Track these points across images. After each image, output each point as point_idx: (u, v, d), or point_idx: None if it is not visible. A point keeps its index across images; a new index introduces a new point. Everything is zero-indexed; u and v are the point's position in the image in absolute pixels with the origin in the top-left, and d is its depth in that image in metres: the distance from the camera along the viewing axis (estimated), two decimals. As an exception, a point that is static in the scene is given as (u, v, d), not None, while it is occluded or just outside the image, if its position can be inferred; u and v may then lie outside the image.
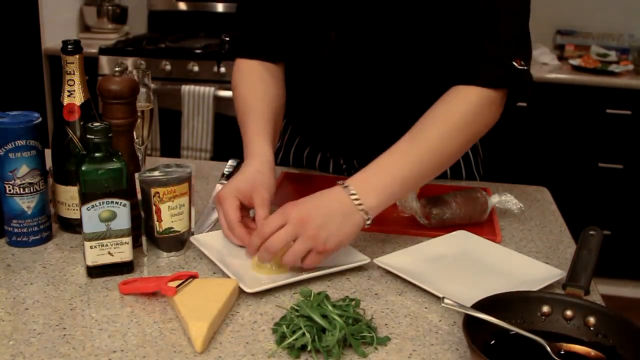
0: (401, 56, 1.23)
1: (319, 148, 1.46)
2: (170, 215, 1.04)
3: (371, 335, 0.84)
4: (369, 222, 1.00)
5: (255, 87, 1.27)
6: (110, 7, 3.36)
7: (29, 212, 1.07)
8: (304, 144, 1.50)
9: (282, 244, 0.96)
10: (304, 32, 1.30)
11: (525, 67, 1.15)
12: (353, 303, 0.88)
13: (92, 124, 0.96)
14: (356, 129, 1.35)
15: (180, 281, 0.92)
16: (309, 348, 0.80)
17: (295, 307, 0.85)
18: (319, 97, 1.36)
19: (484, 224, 1.21)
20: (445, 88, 1.14)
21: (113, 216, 0.97)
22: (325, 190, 1.01)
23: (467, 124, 1.09)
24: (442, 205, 1.18)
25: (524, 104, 2.92)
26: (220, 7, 3.45)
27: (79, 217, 0.97)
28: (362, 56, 1.25)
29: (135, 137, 1.23)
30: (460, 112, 1.09)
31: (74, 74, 1.06)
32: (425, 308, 0.94)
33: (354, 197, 0.99)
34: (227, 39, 1.38)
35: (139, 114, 1.12)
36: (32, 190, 1.06)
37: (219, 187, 1.35)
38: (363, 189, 1.00)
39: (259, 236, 0.97)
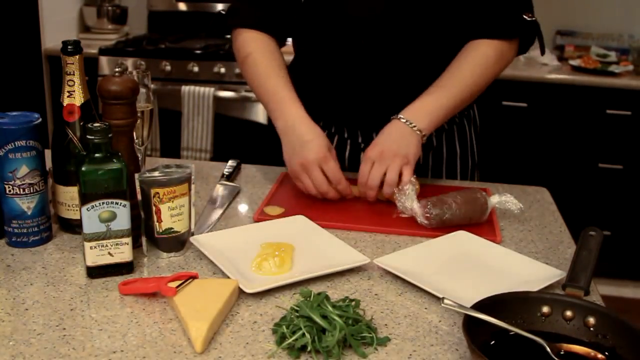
0: (416, 30, 1.32)
1: (336, 128, 1.47)
2: (170, 215, 1.04)
3: (371, 335, 0.84)
4: (424, 138, 1.26)
5: (270, 53, 1.35)
6: (110, 8, 3.36)
7: (29, 213, 1.07)
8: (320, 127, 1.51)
9: (379, 178, 1.22)
10: (315, 8, 1.35)
11: (533, 19, 1.33)
12: (353, 303, 0.88)
13: (92, 125, 0.96)
14: (372, 101, 1.38)
15: (180, 281, 0.92)
16: (308, 348, 0.80)
17: (295, 308, 0.85)
18: (334, 72, 1.39)
19: (483, 225, 1.21)
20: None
21: (113, 217, 0.97)
22: (387, 126, 1.26)
23: (489, 68, 1.31)
24: (442, 205, 1.18)
25: (524, 104, 2.92)
26: (220, 7, 3.45)
27: (79, 218, 0.97)
28: (377, 31, 1.31)
29: (135, 138, 1.23)
30: (482, 63, 1.31)
31: (73, 74, 1.06)
32: (425, 308, 0.94)
33: (408, 123, 1.25)
34: (223, 11, 1.42)
35: (138, 114, 1.12)
36: (32, 191, 1.06)
37: (219, 187, 1.35)
38: (414, 116, 1.25)
39: (361, 183, 1.24)
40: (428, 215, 1.17)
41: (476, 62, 1.31)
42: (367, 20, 1.32)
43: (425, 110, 1.26)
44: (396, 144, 1.23)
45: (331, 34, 1.37)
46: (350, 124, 1.44)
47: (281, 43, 1.43)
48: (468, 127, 1.50)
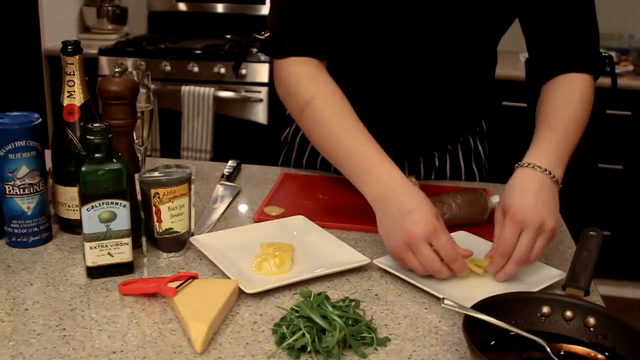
0: (458, 63, 1.27)
1: None
2: (170, 215, 1.04)
3: (371, 336, 0.84)
4: (560, 187, 1.07)
5: (338, 98, 1.11)
6: (110, 8, 3.36)
7: (29, 213, 1.07)
8: None
9: (529, 251, 0.97)
10: (358, 30, 1.22)
11: (606, 54, 1.27)
12: (353, 304, 0.88)
13: (92, 125, 0.96)
14: (403, 131, 1.34)
15: (180, 282, 0.92)
16: (308, 349, 0.80)
17: (295, 308, 0.85)
18: (365, 90, 1.29)
19: (484, 225, 1.21)
20: (479, 89, 1.33)
21: (113, 217, 0.97)
22: (514, 179, 1.05)
23: (588, 103, 1.23)
24: (442, 205, 1.18)
25: (525, 104, 2.92)
26: (220, 8, 3.45)
27: (78, 218, 0.97)
28: (415, 54, 1.25)
29: (135, 138, 1.23)
30: (583, 95, 1.22)
31: (73, 74, 1.06)
32: (425, 309, 0.94)
33: (544, 170, 1.04)
34: (263, 36, 1.18)
35: (138, 114, 1.12)
36: (32, 191, 1.06)
37: (219, 187, 1.35)
38: (552, 164, 1.06)
39: (503, 255, 0.98)
40: None
41: (580, 96, 1.22)
42: (407, 43, 1.23)
43: (557, 153, 1.09)
44: (549, 210, 1.00)
45: (367, 60, 1.26)
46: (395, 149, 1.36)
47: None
48: (473, 142, 1.47)
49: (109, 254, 0.98)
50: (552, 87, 1.22)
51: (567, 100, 1.20)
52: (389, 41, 1.24)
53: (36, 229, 1.08)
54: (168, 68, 2.96)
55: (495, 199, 1.21)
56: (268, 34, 1.17)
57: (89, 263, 0.98)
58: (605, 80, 2.80)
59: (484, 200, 1.20)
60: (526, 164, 1.05)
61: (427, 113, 1.33)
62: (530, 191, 1.01)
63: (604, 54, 1.26)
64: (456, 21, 1.22)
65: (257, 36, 1.18)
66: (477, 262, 1.01)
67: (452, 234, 1.13)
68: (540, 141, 1.11)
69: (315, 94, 1.11)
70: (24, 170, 1.05)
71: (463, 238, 1.13)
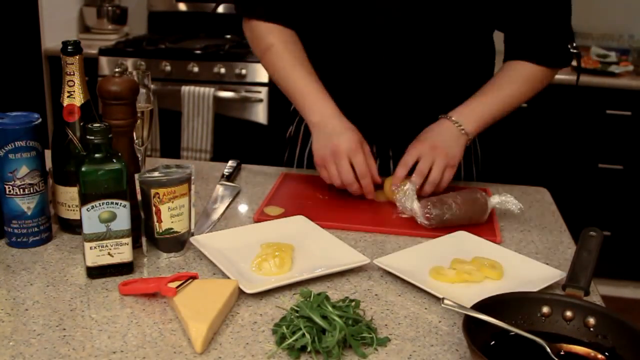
0: (435, 39, 1.31)
1: None
2: (170, 216, 1.04)
3: (371, 336, 0.84)
4: (469, 142, 1.29)
5: (293, 45, 1.32)
6: (110, 8, 3.36)
7: (29, 213, 1.07)
8: None
9: (427, 168, 1.24)
10: (332, 12, 1.33)
11: (575, 51, 1.38)
12: (353, 304, 0.88)
13: (92, 125, 0.96)
14: (384, 110, 1.37)
15: (180, 282, 0.92)
16: (308, 349, 0.80)
17: (295, 308, 0.85)
18: (344, 81, 1.36)
19: (484, 225, 1.21)
20: (471, 77, 1.38)
21: (113, 217, 0.97)
22: (435, 124, 1.29)
23: (533, 88, 1.35)
24: (442, 206, 1.18)
25: (524, 104, 2.92)
26: (220, 8, 3.45)
27: (78, 218, 0.97)
28: (396, 39, 1.30)
29: (135, 138, 1.23)
30: (529, 81, 1.34)
31: (73, 74, 1.06)
32: (425, 309, 0.94)
33: (457, 124, 1.27)
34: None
35: (138, 114, 1.12)
36: (32, 191, 1.06)
37: (219, 187, 1.35)
38: (463, 119, 1.28)
39: (404, 166, 1.25)
40: (428, 215, 1.17)
41: (524, 79, 1.33)
42: (386, 26, 1.29)
43: (475, 115, 1.29)
44: (446, 143, 1.25)
45: (346, 37, 1.33)
46: (375, 136, 1.41)
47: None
48: (472, 142, 1.48)
49: (109, 254, 0.98)
50: (510, 65, 1.36)
51: (510, 78, 1.34)
52: (369, 24, 1.30)
53: (36, 229, 1.08)
54: (168, 68, 2.96)
55: (495, 199, 1.21)
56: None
57: (89, 263, 0.98)
58: (604, 80, 2.80)
59: (484, 200, 1.20)
60: (445, 116, 1.29)
61: (417, 100, 1.36)
62: (434, 132, 1.28)
63: (573, 51, 1.35)
64: (436, 6, 1.27)
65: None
66: (474, 273, 1.01)
67: (452, 234, 1.14)
68: (469, 101, 1.31)
69: (275, 41, 1.32)
70: (24, 170, 1.05)
71: (463, 238, 1.13)
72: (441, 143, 1.25)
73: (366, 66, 1.34)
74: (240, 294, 0.94)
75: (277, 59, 1.31)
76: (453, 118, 1.28)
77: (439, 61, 1.34)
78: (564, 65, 1.36)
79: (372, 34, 1.31)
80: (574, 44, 1.33)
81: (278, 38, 1.32)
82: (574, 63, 1.39)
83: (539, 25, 1.32)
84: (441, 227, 1.17)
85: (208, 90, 2.87)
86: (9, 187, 1.05)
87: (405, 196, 1.20)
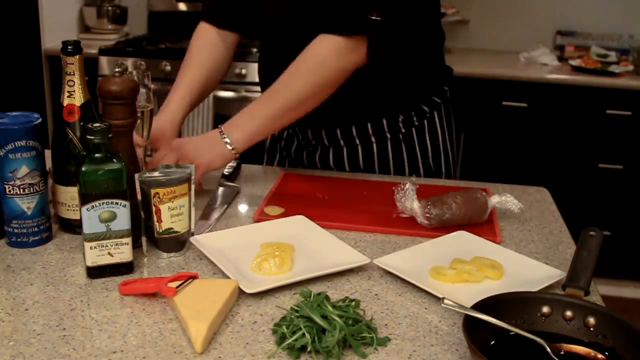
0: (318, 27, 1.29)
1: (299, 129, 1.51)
2: (170, 215, 1.04)
3: (371, 335, 0.84)
4: (233, 151, 1.27)
5: (201, 50, 1.47)
6: (110, 8, 3.36)
7: (29, 213, 1.07)
8: (299, 141, 1.52)
9: (165, 162, 1.20)
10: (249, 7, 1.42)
11: (382, 20, 1.25)
12: (353, 304, 0.88)
13: (92, 125, 0.96)
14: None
15: (180, 282, 0.92)
16: (308, 349, 0.80)
17: (295, 308, 0.85)
18: (269, 69, 1.44)
19: (484, 225, 1.21)
20: None
21: (113, 217, 0.97)
22: (208, 132, 1.31)
23: (316, 67, 1.27)
24: (441, 205, 1.18)
25: (524, 104, 2.92)
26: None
27: (78, 218, 0.97)
28: (286, 28, 1.37)
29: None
30: (309, 58, 1.27)
31: (74, 74, 1.06)
32: (425, 309, 0.94)
33: (220, 132, 1.28)
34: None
35: (138, 114, 1.12)
36: (32, 191, 1.06)
37: (219, 187, 1.35)
38: (229, 128, 1.28)
39: (154, 161, 1.24)
40: (428, 215, 1.17)
41: (298, 64, 1.27)
42: (277, 18, 1.37)
43: (245, 127, 1.28)
44: (199, 145, 1.27)
45: (260, 31, 1.46)
46: (301, 123, 1.41)
47: (243, 34, 1.52)
48: (439, 122, 1.48)
49: (109, 254, 0.98)
50: (304, 52, 1.29)
51: (289, 70, 1.28)
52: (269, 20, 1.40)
53: (36, 229, 1.08)
54: (168, 68, 2.96)
55: (495, 199, 1.21)
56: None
57: (89, 263, 0.98)
58: (604, 80, 2.80)
59: (484, 200, 1.20)
60: (220, 126, 1.30)
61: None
62: (198, 138, 1.31)
63: (374, 18, 1.24)
64: None
65: None
66: (474, 273, 1.01)
67: (452, 234, 1.14)
68: (245, 109, 1.31)
69: (192, 41, 1.49)
70: (24, 170, 1.05)
71: (463, 238, 1.13)
72: (193, 144, 1.28)
73: (275, 57, 1.43)
74: (240, 294, 0.94)
75: (184, 59, 1.48)
76: (221, 127, 1.28)
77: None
78: (355, 31, 1.25)
79: (272, 31, 1.42)
80: (383, 16, 1.25)
81: (194, 43, 1.48)
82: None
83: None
84: (441, 227, 1.17)
85: (208, 90, 2.87)
86: (9, 187, 1.05)
87: (405, 196, 1.20)
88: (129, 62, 2.98)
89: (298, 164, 1.54)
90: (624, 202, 3.02)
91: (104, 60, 3.01)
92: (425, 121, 1.46)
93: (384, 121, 1.43)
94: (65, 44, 1.05)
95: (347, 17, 1.25)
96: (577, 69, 3.00)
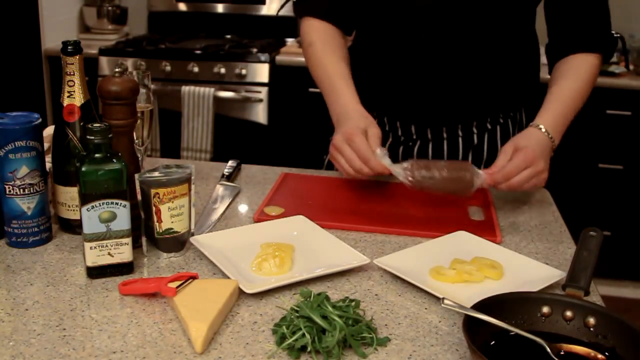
0: (480, 26, 1.35)
1: (390, 126, 1.49)
2: (170, 216, 1.04)
3: (371, 336, 0.84)
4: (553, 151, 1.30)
5: (332, 43, 1.40)
6: (110, 8, 3.36)
7: (29, 213, 1.07)
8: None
9: (524, 182, 1.20)
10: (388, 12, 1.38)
11: (618, 35, 1.40)
12: (353, 304, 0.88)
13: (92, 125, 0.96)
14: (428, 96, 1.40)
15: (180, 282, 0.92)
16: (308, 349, 0.80)
17: (295, 308, 0.85)
18: (392, 64, 1.41)
19: (484, 225, 1.21)
20: (513, 62, 1.41)
21: (113, 217, 0.97)
22: (529, 132, 1.28)
23: (594, 80, 1.38)
24: (426, 172, 1.18)
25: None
26: (220, 8, 3.45)
27: (78, 218, 0.97)
28: (441, 24, 1.34)
29: (135, 138, 1.23)
30: (592, 74, 1.37)
31: (74, 74, 1.06)
32: (425, 309, 0.94)
33: (550, 138, 1.29)
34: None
35: (139, 114, 1.12)
36: (32, 191, 1.06)
37: (219, 187, 1.35)
38: (554, 130, 1.30)
39: (505, 177, 1.19)
40: (411, 178, 1.18)
41: (587, 73, 1.35)
42: (432, 11, 1.33)
43: (559, 122, 1.31)
44: (545, 159, 1.24)
45: (393, 25, 1.38)
46: (392, 116, 1.46)
47: (348, 33, 1.47)
48: (512, 129, 1.51)
49: (109, 254, 0.98)
50: (565, 63, 1.37)
51: (575, 76, 1.35)
52: (417, 14, 1.34)
53: (36, 229, 1.08)
54: (168, 68, 2.96)
55: (480, 179, 1.19)
56: None
57: (89, 263, 0.98)
58: (604, 81, 2.80)
59: (470, 178, 1.18)
60: (537, 126, 1.29)
61: (460, 83, 1.39)
62: (539, 144, 1.25)
63: (615, 35, 1.38)
64: None
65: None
66: (474, 273, 1.01)
67: (452, 234, 1.14)
68: (549, 109, 1.32)
69: (316, 38, 1.41)
70: (24, 170, 1.05)
71: (463, 238, 1.13)
72: (541, 156, 1.23)
73: (410, 51, 1.38)
74: (240, 294, 0.94)
75: (314, 56, 1.40)
76: (548, 130, 1.29)
77: (480, 46, 1.37)
78: (612, 49, 1.39)
79: (415, 20, 1.35)
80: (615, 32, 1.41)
81: (319, 36, 1.41)
82: (619, 45, 1.43)
83: (582, 14, 1.35)
84: (420, 190, 1.19)
85: (208, 90, 2.87)
86: (9, 187, 1.05)
87: (384, 158, 1.20)
88: (129, 62, 2.98)
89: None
90: (624, 202, 3.02)
91: (104, 61, 3.01)
92: (499, 127, 1.49)
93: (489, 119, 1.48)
94: (65, 44, 1.05)
95: (605, 36, 1.38)
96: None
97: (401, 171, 1.18)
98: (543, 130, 1.27)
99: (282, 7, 1.65)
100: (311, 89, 2.87)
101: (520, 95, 1.51)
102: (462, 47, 1.36)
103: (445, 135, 1.46)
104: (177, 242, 1.06)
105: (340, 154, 1.22)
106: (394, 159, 1.26)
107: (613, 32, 1.38)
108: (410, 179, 1.18)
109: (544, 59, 1.45)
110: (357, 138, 1.19)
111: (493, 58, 1.38)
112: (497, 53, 1.38)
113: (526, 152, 1.20)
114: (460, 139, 1.46)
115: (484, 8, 1.32)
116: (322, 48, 1.39)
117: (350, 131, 1.21)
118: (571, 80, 1.35)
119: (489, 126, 1.47)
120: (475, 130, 1.46)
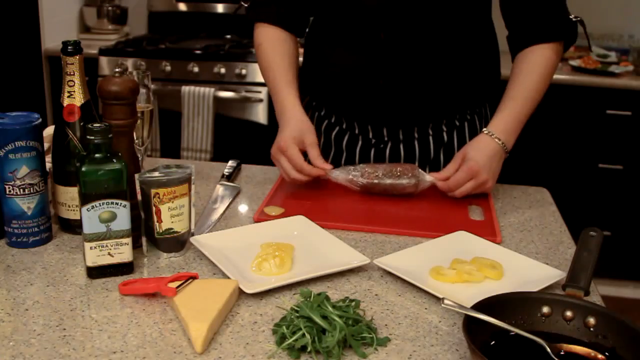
0: (429, 22, 1.35)
1: (347, 125, 1.49)
2: (170, 216, 1.04)
3: (371, 336, 0.84)
4: (507, 155, 1.33)
5: (278, 44, 1.44)
6: (110, 8, 3.36)
7: (29, 213, 1.07)
8: (331, 124, 1.52)
9: (460, 187, 1.27)
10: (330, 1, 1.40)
11: (578, 19, 1.37)
12: (353, 304, 0.88)
13: (92, 125, 0.96)
14: (383, 95, 1.40)
15: (180, 282, 0.92)
16: (309, 349, 0.80)
17: (295, 308, 0.85)
18: (345, 65, 1.42)
19: (484, 225, 1.21)
20: (474, 57, 1.41)
21: (113, 217, 0.97)
22: (479, 141, 1.30)
23: (552, 72, 1.36)
24: (371, 179, 1.30)
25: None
26: (220, 8, 3.45)
27: (79, 218, 0.98)
28: (390, 22, 1.34)
29: (135, 138, 1.23)
30: (548, 67, 1.35)
31: (74, 74, 1.06)
32: (425, 309, 0.94)
33: (501, 143, 1.30)
34: (246, 4, 1.51)
35: (139, 114, 1.12)
36: (32, 191, 1.06)
37: (219, 187, 1.36)
38: (505, 136, 1.30)
39: (449, 189, 1.28)
40: (357, 187, 1.32)
41: (542, 67, 1.34)
42: (384, 9, 1.33)
43: (511, 128, 1.31)
44: (492, 167, 1.29)
45: (352, 28, 1.39)
46: (361, 119, 1.46)
47: (299, 35, 1.51)
48: (479, 124, 1.50)
49: (109, 254, 0.98)
50: (522, 58, 1.37)
51: (530, 70, 1.35)
52: (370, 14, 1.35)
53: (36, 229, 1.08)
54: (168, 68, 2.96)
55: (429, 178, 1.29)
56: (249, 2, 1.50)
57: (89, 263, 0.98)
58: (604, 80, 2.79)
59: (414, 183, 1.29)
60: (488, 132, 1.30)
61: (425, 80, 1.39)
62: (488, 154, 1.29)
63: (574, 19, 1.35)
64: None
65: (243, 3, 1.53)
66: (474, 273, 1.01)
67: (452, 233, 1.14)
68: (502, 111, 1.33)
69: (263, 40, 1.46)
70: (24, 170, 1.05)
71: (463, 238, 1.13)
72: (488, 165, 1.28)
73: (371, 52, 1.37)
74: (240, 294, 0.94)
75: (263, 57, 1.44)
76: (497, 136, 1.29)
77: (438, 39, 1.36)
78: (573, 34, 1.36)
79: (370, 20, 1.35)
80: (575, 16, 1.38)
81: (266, 38, 1.45)
82: (580, 30, 1.41)
83: (536, 3, 1.34)
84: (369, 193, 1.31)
85: (208, 90, 2.87)
86: (9, 187, 1.05)
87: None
88: (129, 63, 2.98)
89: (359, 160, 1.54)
90: (624, 202, 3.02)
91: (104, 61, 3.01)
92: (466, 123, 1.49)
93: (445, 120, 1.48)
94: (65, 44, 1.05)
95: (560, 23, 1.35)
96: (577, 69, 3.00)
97: (348, 181, 1.31)
98: (494, 137, 1.29)
99: (236, 10, 1.72)
100: (311, 89, 2.87)
101: (484, 88, 1.49)
102: (421, 43, 1.35)
103: (416, 135, 1.45)
104: (177, 242, 1.06)
105: (278, 163, 1.32)
106: (366, 162, 1.37)
107: (572, 16, 1.35)
108: (356, 187, 1.31)
109: (504, 48, 1.44)
110: (289, 150, 1.28)
111: (453, 52, 1.38)
112: (456, 47, 1.38)
113: (470, 166, 1.26)
114: (430, 138, 1.46)
115: (431, 5, 1.32)
116: (270, 50, 1.44)
117: (282, 144, 1.29)
118: (527, 78, 1.34)
119: (457, 123, 1.46)
120: (444, 128, 1.45)
